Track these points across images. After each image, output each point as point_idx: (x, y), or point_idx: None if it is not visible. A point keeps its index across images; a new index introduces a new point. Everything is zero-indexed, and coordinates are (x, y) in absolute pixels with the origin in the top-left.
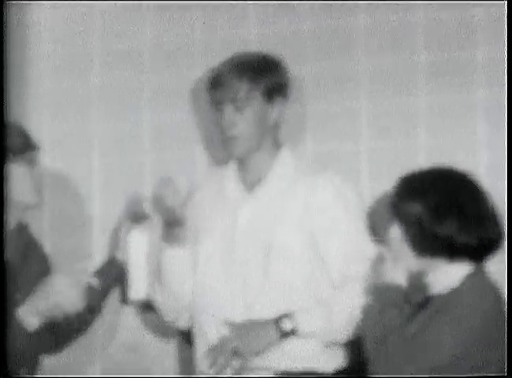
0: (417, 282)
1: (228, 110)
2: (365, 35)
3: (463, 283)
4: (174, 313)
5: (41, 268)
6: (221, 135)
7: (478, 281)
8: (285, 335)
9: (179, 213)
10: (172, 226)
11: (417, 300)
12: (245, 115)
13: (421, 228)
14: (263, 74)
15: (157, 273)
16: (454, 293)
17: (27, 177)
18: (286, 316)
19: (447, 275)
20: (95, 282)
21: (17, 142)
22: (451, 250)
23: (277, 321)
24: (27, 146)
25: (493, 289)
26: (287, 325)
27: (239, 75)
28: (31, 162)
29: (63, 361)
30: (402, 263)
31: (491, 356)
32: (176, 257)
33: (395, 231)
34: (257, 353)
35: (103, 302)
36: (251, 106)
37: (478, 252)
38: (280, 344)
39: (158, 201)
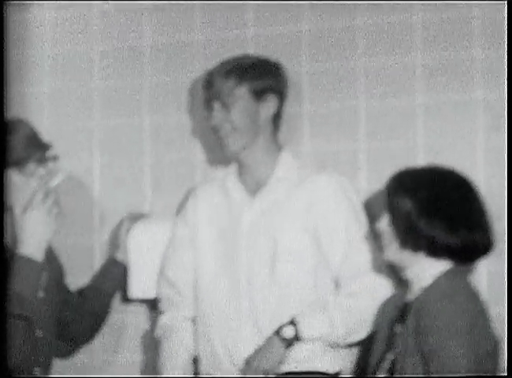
0: (400, 278)
1: (216, 107)
2: (364, 35)
3: (435, 282)
4: (175, 307)
5: (55, 275)
6: (215, 133)
7: (450, 281)
8: (290, 343)
9: None
10: None
11: (401, 301)
12: (232, 111)
13: (408, 223)
14: (251, 73)
15: (159, 268)
16: (427, 291)
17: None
18: (287, 324)
19: (423, 271)
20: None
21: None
22: (433, 249)
23: (278, 332)
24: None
25: (467, 290)
26: (289, 333)
27: (226, 73)
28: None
29: (64, 361)
30: (386, 251)
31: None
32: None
33: (385, 222)
34: (272, 370)
35: (110, 304)
36: (238, 103)
37: (460, 255)
38: (289, 352)
39: None
